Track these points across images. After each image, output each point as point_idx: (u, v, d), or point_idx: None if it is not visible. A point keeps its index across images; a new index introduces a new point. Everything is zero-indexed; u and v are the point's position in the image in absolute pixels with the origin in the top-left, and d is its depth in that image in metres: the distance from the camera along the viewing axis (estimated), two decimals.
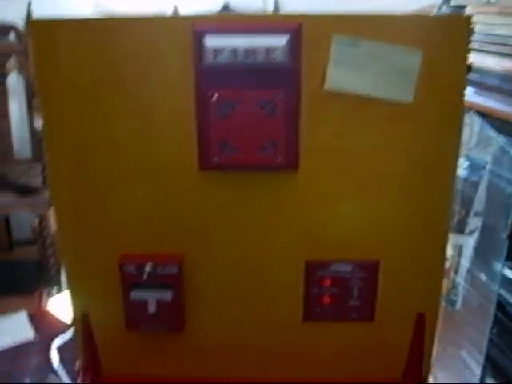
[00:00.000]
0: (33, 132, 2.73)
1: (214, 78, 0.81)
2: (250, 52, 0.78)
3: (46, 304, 2.44)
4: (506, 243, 1.37)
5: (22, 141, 2.81)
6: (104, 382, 1.06)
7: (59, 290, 2.49)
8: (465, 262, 1.93)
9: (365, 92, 0.85)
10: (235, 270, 0.97)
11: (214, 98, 0.81)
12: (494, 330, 1.55)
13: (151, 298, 0.96)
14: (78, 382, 1.07)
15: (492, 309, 1.49)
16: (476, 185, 1.98)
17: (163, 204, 0.93)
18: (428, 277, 0.97)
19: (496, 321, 1.53)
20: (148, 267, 0.94)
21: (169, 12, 2.92)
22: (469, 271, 1.88)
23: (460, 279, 1.96)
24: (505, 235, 1.36)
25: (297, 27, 0.80)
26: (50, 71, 0.86)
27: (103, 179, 0.92)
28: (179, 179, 0.91)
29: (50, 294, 2.49)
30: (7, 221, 3.02)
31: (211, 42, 0.78)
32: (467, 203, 1.99)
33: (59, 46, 0.85)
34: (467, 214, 2.01)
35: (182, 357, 1.04)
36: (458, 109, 0.88)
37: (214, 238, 0.95)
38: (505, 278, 1.50)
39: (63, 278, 2.47)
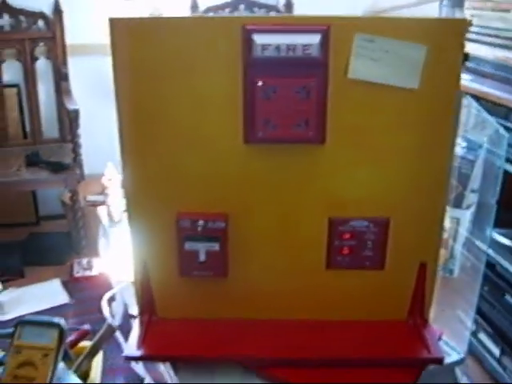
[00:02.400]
0: (60, 114, 2.93)
1: (260, 67, 1.01)
2: (291, 48, 0.98)
3: (77, 273, 2.65)
4: (495, 208, 1.57)
5: (51, 122, 3.01)
6: (158, 322, 1.25)
7: (90, 261, 2.69)
8: (462, 232, 2.12)
9: (380, 80, 1.05)
10: (271, 226, 1.17)
11: (260, 83, 1.01)
12: (486, 288, 1.76)
13: (202, 249, 1.17)
14: (137, 323, 1.27)
15: (482, 267, 1.69)
16: (472, 163, 2.17)
17: (214, 171, 1.13)
18: (429, 232, 1.17)
19: (488, 280, 1.74)
20: (200, 222, 1.14)
21: (187, 2, 3.12)
22: (466, 239, 2.08)
23: (458, 247, 2.16)
24: (493, 201, 1.56)
25: (327, 28, 1.00)
26: (126, 62, 1.06)
27: (165, 147, 1.11)
28: (227, 150, 1.11)
29: (81, 264, 2.69)
30: (34, 197, 3.22)
31: (259, 39, 0.99)
32: (464, 180, 2.18)
33: (134, 40, 1.05)
34: (464, 190, 2.20)
35: (226, 300, 1.22)
36: (455, 93, 1.08)
37: (254, 199, 1.15)
38: (495, 242, 1.71)
39: (94, 248, 2.67)
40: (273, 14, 3.04)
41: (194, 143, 1.11)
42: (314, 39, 0.99)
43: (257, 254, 1.20)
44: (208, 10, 3.13)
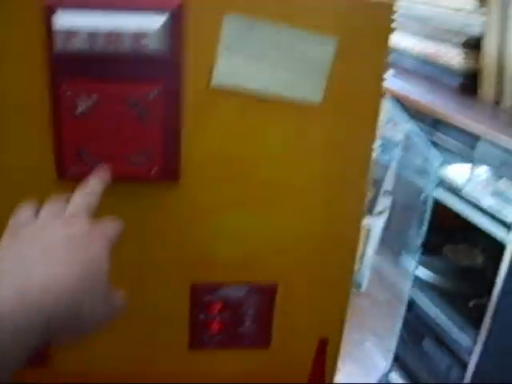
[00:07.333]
0: None
1: (68, 67, 0.62)
2: (113, 37, 0.60)
3: None
4: (420, 251, 1.27)
5: None
6: None
7: None
8: (371, 249, 1.85)
9: (262, 89, 0.69)
10: None
11: (68, 92, 0.62)
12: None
13: None
14: None
15: (403, 310, 1.40)
16: (386, 167, 1.89)
17: None
18: (332, 300, 0.85)
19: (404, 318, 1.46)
20: None
21: None
22: (374, 260, 1.80)
23: (368, 259, 1.88)
24: (418, 243, 1.26)
25: (177, 5, 0.62)
26: None
27: None
28: (36, 190, 0.72)
29: None
30: None
31: (62, 21, 0.59)
32: (377, 184, 1.90)
33: None
34: (377, 195, 1.92)
35: None
36: (376, 104, 0.75)
37: None
38: (413, 275, 1.42)
39: None
40: None
41: None
42: (153, 23, 0.61)
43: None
44: None
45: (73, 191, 0.69)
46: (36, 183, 0.72)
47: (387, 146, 1.87)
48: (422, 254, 1.36)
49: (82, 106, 0.63)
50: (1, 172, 0.72)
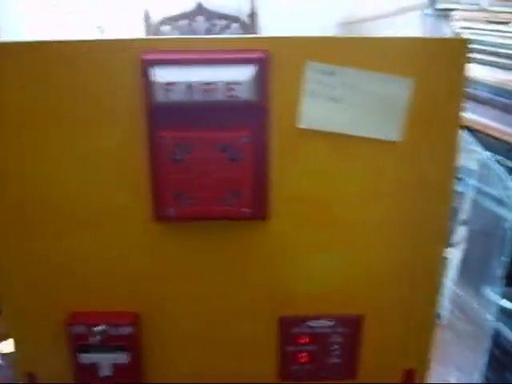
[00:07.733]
0: None
1: (166, 116, 0.68)
2: (208, 88, 0.65)
3: None
4: (503, 281, 1.26)
5: None
6: None
7: None
8: (449, 279, 1.83)
9: (344, 130, 0.73)
10: (199, 328, 0.85)
11: (168, 140, 0.68)
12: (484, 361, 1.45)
13: (105, 361, 0.84)
14: None
15: (487, 343, 1.38)
16: (462, 195, 1.87)
17: (115, 257, 0.80)
18: (418, 330, 0.86)
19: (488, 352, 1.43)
20: (98, 328, 0.81)
21: (140, 15, 2.79)
22: (454, 292, 1.78)
23: (445, 297, 1.86)
24: (500, 273, 1.25)
25: (264, 56, 0.67)
26: None
27: (46, 229, 0.79)
28: (132, 230, 0.78)
29: None
30: None
31: (161, 74, 0.65)
32: (454, 213, 1.89)
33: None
34: (453, 225, 1.91)
35: None
36: (454, 142, 0.77)
37: (174, 294, 0.82)
38: (495, 304, 1.40)
39: None
40: (235, 26, 2.73)
41: (85, 220, 0.78)
42: (245, 74, 0.66)
43: (183, 365, 0.88)
44: (163, 20, 2.82)
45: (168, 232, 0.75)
46: (134, 224, 0.78)
47: (462, 174, 1.86)
48: (506, 285, 1.34)
49: (179, 151, 0.68)
50: (102, 212, 0.78)
